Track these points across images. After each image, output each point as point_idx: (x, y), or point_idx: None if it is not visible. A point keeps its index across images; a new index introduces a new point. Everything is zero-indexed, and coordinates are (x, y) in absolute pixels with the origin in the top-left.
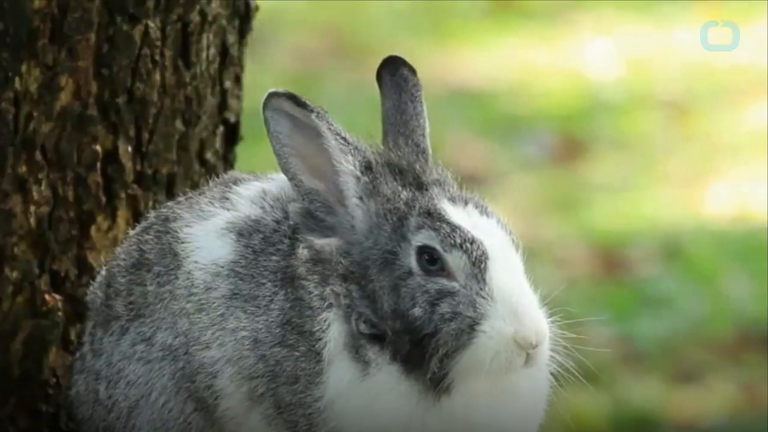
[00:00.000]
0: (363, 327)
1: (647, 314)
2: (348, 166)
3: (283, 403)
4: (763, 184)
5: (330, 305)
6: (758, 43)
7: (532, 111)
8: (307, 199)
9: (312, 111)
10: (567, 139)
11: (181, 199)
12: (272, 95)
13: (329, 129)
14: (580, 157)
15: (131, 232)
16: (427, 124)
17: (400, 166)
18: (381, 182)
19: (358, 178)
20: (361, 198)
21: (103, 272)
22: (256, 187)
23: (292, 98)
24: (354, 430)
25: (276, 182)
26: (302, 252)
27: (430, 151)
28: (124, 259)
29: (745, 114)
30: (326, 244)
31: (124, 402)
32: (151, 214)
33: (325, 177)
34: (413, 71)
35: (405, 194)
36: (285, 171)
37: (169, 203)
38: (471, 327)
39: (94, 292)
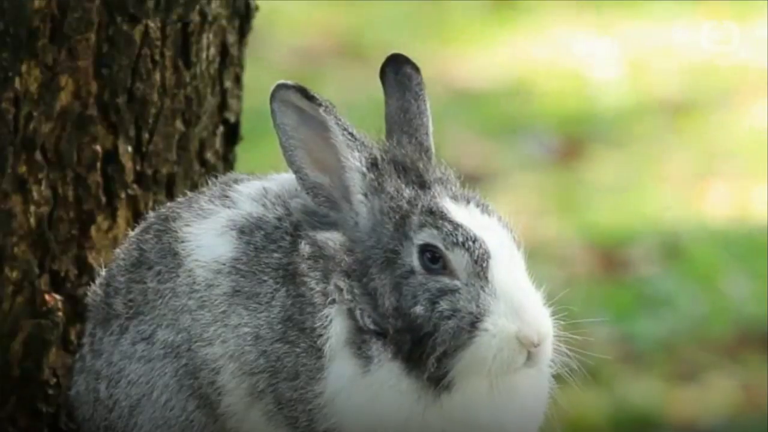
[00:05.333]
0: (368, 321)
1: (647, 314)
2: (354, 162)
3: (284, 399)
4: (763, 185)
5: (333, 301)
6: (758, 43)
7: (532, 111)
8: (311, 193)
9: (320, 104)
10: (567, 139)
11: (180, 199)
12: (280, 87)
13: (337, 123)
14: (580, 157)
15: (131, 233)
16: (430, 123)
17: (404, 164)
18: (386, 180)
19: (363, 175)
20: (366, 195)
21: (103, 273)
22: (256, 185)
23: (301, 91)
24: (354, 426)
25: (276, 181)
26: (304, 248)
27: (433, 149)
28: (124, 259)
29: (745, 114)
30: (329, 238)
31: (125, 401)
32: (151, 215)
33: (330, 171)
34: (417, 69)
35: (408, 192)
36: (290, 164)
37: (169, 203)
38: (472, 324)
39: (93, 293)
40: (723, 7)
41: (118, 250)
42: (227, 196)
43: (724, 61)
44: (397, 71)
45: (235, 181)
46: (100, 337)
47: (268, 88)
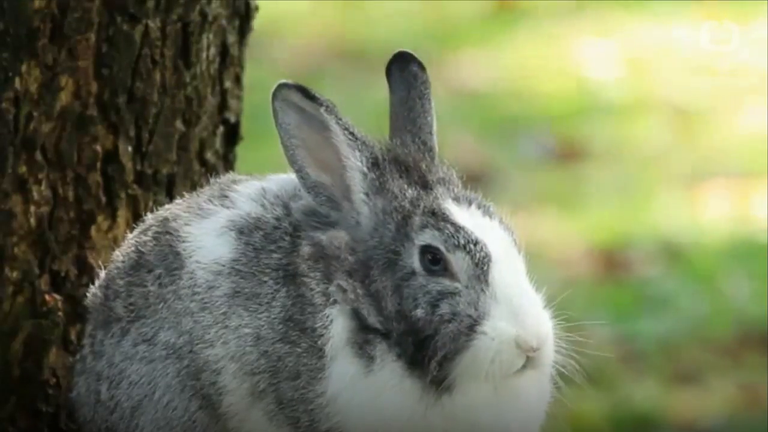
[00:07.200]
0: (373, 321)
1: (647, 314)
2: (355, 161)
3: (285, 399)
4: (763, 185)
5: (334, 301)
6: (758, 43)
7: (532, 111)
8: (312, 193)
9: (321, 104)
10: (567, 140)
11: (178, 200)
12: (282, 86)
13: (338, 123)
14: (579, 157)
15: (129, 235)
16: (434, 122)
17: (407, 164)
18: (387, 179)
19: (365, 174)
20: (367, 194)
21: (102, 274)
22: (255, 186)
23: (302, 90)
24: (356, 426)
25: (275, 181)
26: (304, 249)
27: (436, 149)
28: (123, 261)
29: (744, 114)
30: (333, 238)
31: (126, 402)
32: (149, 217)
33: (331, 171)
34: (423, 68)
35: (410, 192)
36: (292, 163)
37: (166, 205)
38: (470, 328)
39: (93, 295)
40: (723, 7)
41: (116, 253)
42: (226, 197)
43: (723, 62)
44: (403, 69)
45: (234, 182)
46: (101, 339)
47: (268, 88)
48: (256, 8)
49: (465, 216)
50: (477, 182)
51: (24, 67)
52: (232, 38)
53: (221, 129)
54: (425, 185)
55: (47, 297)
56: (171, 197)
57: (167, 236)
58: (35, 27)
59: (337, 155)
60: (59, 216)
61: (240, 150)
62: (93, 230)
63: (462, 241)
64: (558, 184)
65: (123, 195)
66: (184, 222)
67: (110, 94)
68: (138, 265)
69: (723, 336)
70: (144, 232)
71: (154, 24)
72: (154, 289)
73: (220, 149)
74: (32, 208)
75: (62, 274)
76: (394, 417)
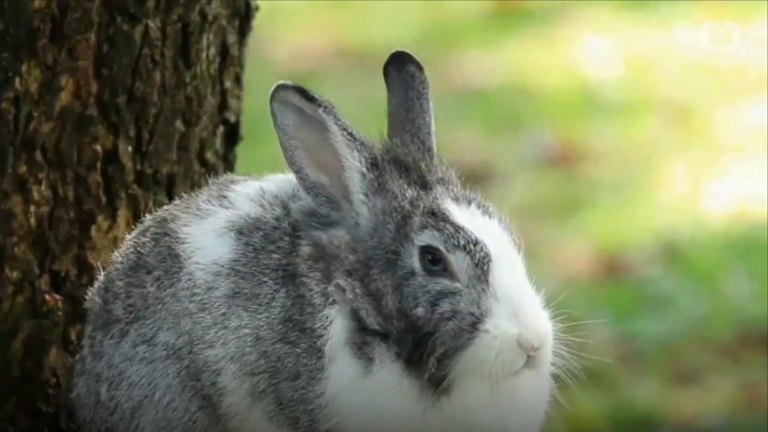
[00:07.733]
0: (371, 322)
1: (647, 314)
2: (354, 162)
3: (285, 399)
4: (762, 184)
5: (333, 302)
6: (758, 43)
7: (532, 111)
8: (311, 194)
9: (320, 105)
10: (567, 139)
11: (177, 201)
12: (280, 87)
13: (336, 124)
14: (580, 157)
15: (128, 236)
16: (433, 122)
17: (406, 164)
18: (387, 180)
19: (363, 175)
20: (366, 195)
21: (101, 276)
22: (253, 186)
23: (301, 91)
24: (356, 426)
25: (273, 181)
26: (304, 249)
27: (435, 149)
28: (122, 263)
29: (744, 114)
30: (334, 236)
31: (127, 403)
32: (147, 218)
33: (330, 171)
34: (420, 68)
35: (410, 193)
36: (291, 164)
37: (165, 206)
38: (473, 325)
39: (92, 296)
40: (723, 7)
41: (115, 254)
42: (224, 197)
43: (724, 61)
44: (401, 69)
45: (232, 182)
46: (100, 339)
47: (268, 88)
48: (256, 8)
49: (464, 216)
50: (477, 182)
51: (24, 67)
52: (232, 38)
53: (221, 129)
54: (425, 185)
55: (47, 297)
56: (171, 197)
57: (166, 237)
58: (35, 27)
59: (335, 156)
60: (59, 216)
61: (240, 150)
62: (93, 230)
63: (462, 242)
64: (558, 184)
65: (123, 195)
66: (182, 223)
67: (110, 94)
68: (137, 266)
69: (723, 336)
70: (143, 233)
71: (154, 24)
72: (153, 290)
73: (220, 149)
74: (32, 208)
75: (62, 274)
76: (394, 417)
